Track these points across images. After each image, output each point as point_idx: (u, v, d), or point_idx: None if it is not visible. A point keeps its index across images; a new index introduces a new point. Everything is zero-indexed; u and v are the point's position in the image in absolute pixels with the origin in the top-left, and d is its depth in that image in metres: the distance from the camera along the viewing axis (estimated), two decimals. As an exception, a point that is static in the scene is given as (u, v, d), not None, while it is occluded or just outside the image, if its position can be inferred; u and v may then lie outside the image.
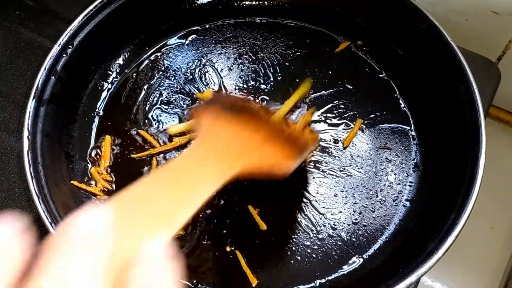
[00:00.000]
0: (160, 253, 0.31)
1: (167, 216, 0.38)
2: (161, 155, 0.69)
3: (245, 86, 0.74)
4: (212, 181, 0.45)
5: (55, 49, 0.66)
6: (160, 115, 0.72)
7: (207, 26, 0.80)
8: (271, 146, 0.53)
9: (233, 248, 0.63)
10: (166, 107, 0.73)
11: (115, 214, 0.31)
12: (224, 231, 0.64)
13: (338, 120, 0.71)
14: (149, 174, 0.44)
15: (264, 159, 0.52)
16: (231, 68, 0.76)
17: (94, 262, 0.28)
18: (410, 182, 0.67)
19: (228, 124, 0.52)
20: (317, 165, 0.68)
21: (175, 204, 0.40)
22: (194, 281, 0.61)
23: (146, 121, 0.72)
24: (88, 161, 0.69)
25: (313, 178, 0.67)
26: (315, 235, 0.64)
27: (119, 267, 0.30)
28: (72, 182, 0.66)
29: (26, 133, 0.61)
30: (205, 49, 0.78)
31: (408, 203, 0.66)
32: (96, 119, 0.72)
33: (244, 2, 0.81)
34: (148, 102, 0.73)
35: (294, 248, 0.63)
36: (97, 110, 0.73)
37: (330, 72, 0.75)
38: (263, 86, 0.74)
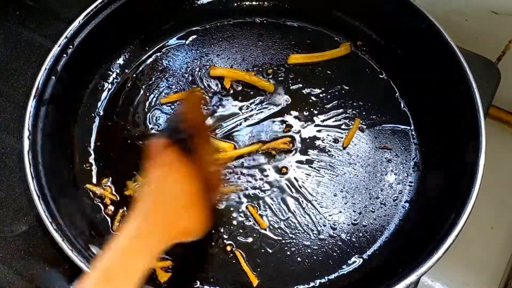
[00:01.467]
0: None
1: None
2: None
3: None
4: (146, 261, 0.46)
5: (55, 49, 0.66)
6: (159, 116, 0.72)
7: (207, 26, 0.80)
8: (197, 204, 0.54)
9: (233, 248, 0.63)
10: (166, 107, 0.73)
11: None
12: (224, 231, 0.64)
13: (338, 120, 0.71)
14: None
15: (190, 222, 0.54)
16: (231, 68, 0.76)
17: None
18: (410, 182, 0.67)
19: (175, 183, 0.52)
20: (317, 165, 0.68)
21: None
22: (195, 280, 0.61)
23: (145, 121, 0.72)
24: (89, 161, 0.69)
25: (313, 178, 0.67)
26: (315, 235, 0.64)
27: None
28: (86, 185, 0.67)
29: (26, 133, 0.61)
30: (205, 49, 0.78)
31: (408, 203, 0.66)
32: (96, 119, 0.72)
33: (244, 2, 0.81)
34: (147, 103, 0.73)
35: (294, 248, 0.63)
36: (97, 110, 0.73)
37: (329, 72, 0.75)
38: (263, 86, 0.74)
